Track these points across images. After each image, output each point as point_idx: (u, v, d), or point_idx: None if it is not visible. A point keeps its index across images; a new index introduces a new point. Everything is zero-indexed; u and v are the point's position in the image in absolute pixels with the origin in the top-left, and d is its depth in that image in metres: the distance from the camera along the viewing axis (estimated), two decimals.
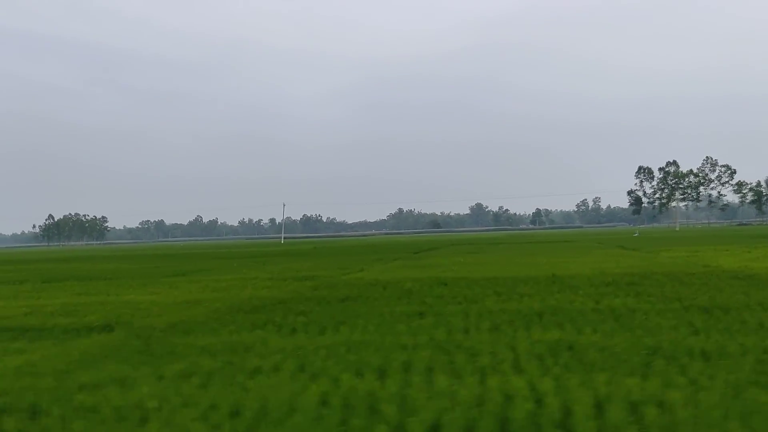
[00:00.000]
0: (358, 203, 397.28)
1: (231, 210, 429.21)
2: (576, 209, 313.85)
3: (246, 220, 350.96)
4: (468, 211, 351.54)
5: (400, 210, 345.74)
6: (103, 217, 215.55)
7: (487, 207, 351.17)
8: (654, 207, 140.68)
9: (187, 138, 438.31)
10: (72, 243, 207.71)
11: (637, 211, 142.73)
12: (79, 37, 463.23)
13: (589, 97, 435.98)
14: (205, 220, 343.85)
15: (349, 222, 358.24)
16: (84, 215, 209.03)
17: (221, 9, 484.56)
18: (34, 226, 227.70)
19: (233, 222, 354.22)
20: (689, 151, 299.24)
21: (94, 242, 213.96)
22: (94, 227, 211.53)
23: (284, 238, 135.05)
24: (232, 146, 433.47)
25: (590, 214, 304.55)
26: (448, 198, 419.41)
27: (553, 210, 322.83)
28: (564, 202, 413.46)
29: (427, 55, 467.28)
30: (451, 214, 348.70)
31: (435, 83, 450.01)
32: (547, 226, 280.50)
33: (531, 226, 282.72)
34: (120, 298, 13.04)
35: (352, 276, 17.05)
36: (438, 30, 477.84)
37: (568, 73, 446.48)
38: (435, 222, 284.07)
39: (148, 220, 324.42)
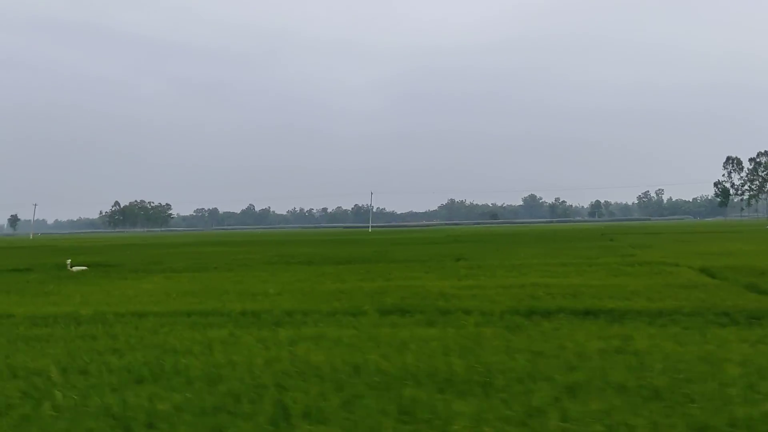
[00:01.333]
0: (408, 193, 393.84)
1: (281, 199, 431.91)
2: (637, 201, 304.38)
3: (297, 209, 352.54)
4: (521, 203, 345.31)
5: (452, 200, 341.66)
6: (167, 204, 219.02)
7: (540, 198, 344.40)
8: (743, 199, 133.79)
9: (232, 128, 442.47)
10: (137, 229, 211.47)
11: (723, 203, 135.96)
12: (130, 28, 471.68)
13: (649, 86, 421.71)
14: (257, 208, 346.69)
15: (398, 212, 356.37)
16: (149, 202, 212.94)
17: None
18: (100, 212, 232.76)
19: (281, 211, 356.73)
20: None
21: (157, 229, 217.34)
22: (159, 214, 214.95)
23: (361, 227, 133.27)
24: (277, 136, 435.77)
25: (652, 206, 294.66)
26: (499, 189, 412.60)
27: (613, 202, 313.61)
28: (623, 195, 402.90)
29: (472, 45, 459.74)
30: (503, 205, 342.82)
31: (480, 74, 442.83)
32: (607, 218, 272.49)
33: (590, 218, 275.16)
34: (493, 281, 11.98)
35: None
36: (485, 19, 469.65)
37: (624, 61, 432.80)
38: (493, 213, 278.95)
39: (203, 208, 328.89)
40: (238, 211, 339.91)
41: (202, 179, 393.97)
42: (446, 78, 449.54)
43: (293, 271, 17.20)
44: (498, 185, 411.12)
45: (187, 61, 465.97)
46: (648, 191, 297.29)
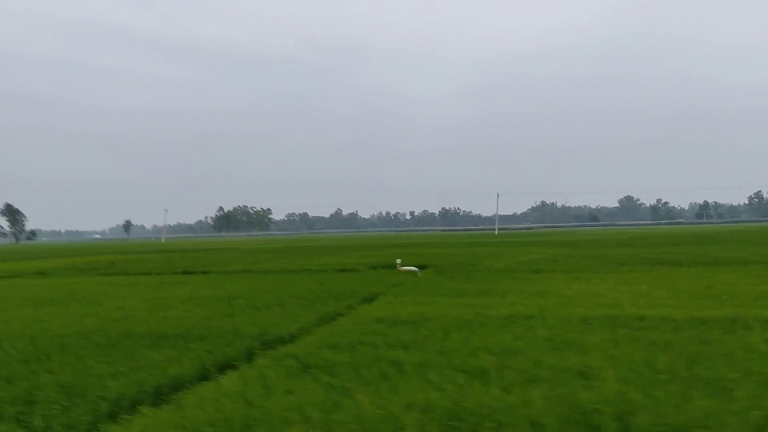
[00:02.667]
0: (494, 195, 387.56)
1: (367, 204, 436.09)
2: (747, 202, 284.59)
3: (383, 213, 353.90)
4: (617, 204, 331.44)
5: (543, 203, 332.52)
6: (268, 209, 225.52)
7: (638, 200, 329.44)
8: None
9: (314, 136, 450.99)
10: (239, 234, 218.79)
11: None
12: (216, 42, 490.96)
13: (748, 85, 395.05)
14: (345, 213, 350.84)
15: (485, 215, 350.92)
16: (252, 207, 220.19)
17: (342, 9, 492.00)
18: (205, 218, 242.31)
19: (365, 215, 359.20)
20: None
21: (259, 233, 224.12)
22: (261, 219, 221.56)
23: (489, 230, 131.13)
24: (358, 143, 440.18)
25: (764, 207, 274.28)
26: (591, 190, 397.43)
27: (721, 203, 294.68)
28: (731, 196, 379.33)
29: (548, 51, 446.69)
30: (598, 207, 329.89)
31: (559, 81, 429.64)
32: (715, 220, 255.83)
33: (697, 220, 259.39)
34: None
35: None
36: (561, 25, 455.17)
37: (721, 60, 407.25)
38: (593, 215, 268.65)
39: (293, 213, 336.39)
40: (327, 216, 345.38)
41: (291, 185, 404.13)
42: (527, 83, 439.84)
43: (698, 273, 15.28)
44: (590, 186, 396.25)
45: (269, 73, 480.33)
46: (760, 191, 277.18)
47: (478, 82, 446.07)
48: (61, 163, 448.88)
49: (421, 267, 19.87)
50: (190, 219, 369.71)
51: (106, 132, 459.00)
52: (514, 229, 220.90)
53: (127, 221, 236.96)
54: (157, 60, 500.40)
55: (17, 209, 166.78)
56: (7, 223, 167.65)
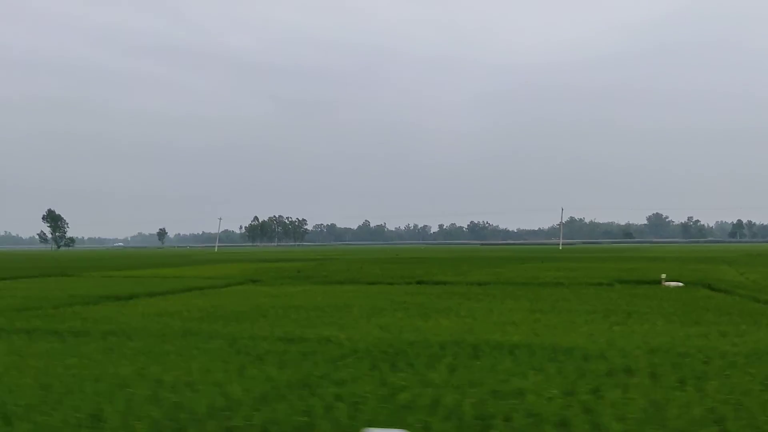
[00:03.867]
0: (523, 211, 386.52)
1: (394, 216, 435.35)
2: None
3: (411, 225, 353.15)
4: (645, 221, 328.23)
5: (572, 218, 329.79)
6: (303, 219, 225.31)
7: (667, 217, 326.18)
8: None
9: (335, 145, 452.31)
10: (273, 244, 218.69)
11: None
12: (237, 51, 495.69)
13: None
14: (372, 224, 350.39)
15: (511, 230, 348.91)
16: (287, 217, 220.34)
17: (363, 18, 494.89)
18: (240, 228, 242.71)
19: (391, 227, 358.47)
20: None
21: (293, 243, 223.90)
22: (296, 229, 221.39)
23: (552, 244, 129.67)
24: (380, 153, 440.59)
25: None
26: (619, 207, 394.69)
27: (757, 222, 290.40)
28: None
29: (575, 62, 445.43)
30: (626, 224, 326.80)
31: (582, 92, 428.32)
32: (749, 239, 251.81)
33: (730, 239, 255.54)
34: None
35: None
36: (586, 36, 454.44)
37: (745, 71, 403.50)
38: (626, 232, 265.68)
39: (321, 224, 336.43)
40: (355, 227, 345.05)
41: (315, 195, 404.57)
42: (550, 95, 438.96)
43: None
44: (617, 203, 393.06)
45: (289, 82, 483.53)
46: None
47: (501, 92, 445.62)
48: (78, 169, 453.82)
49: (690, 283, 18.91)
50: (213, 228, 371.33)
51: (124, 138, 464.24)
52: (567, 244, 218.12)
53: (161, 229, 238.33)
54: (179, 67, 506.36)
55: (59, 215, 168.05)
56: (49, 229, 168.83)
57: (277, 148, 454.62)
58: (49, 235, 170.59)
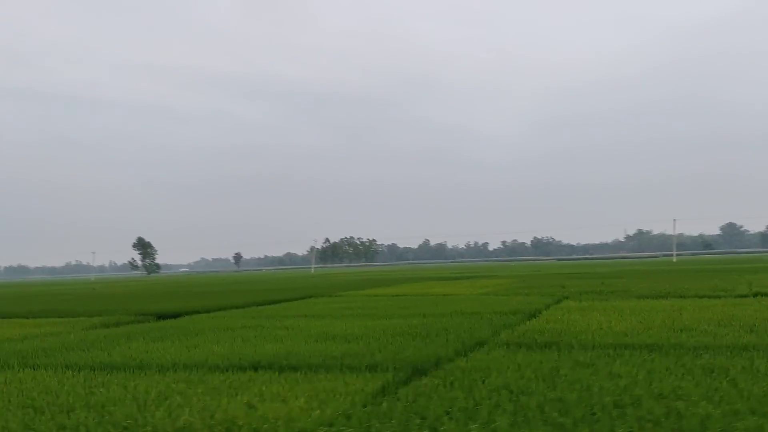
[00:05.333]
0: (586, 226, 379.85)
1: (454, 235, 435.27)
2: None
3: (472, 243, 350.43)
4: (718, 232, 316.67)
5: (639, 231, 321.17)
6: (373, 239, 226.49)
7: (741, 226, 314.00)
8: None
9: (383, 168, 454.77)
10: (343, 264, 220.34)
11: None
12: (285, 75, 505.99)
13: None
14: (432, 243, 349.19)
15: (573, 244, 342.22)
16: (359, 238, 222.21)
17: (411, 42, 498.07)
18: (311, 249, 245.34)
19: (451, 245, 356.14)
20: None
21: (365, 264, 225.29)
22: (368, 249, 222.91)
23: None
24: (434, 173, 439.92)
25: None
26: (685, 218, 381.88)
27: None
28: None
29: (624, 72, 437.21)
30: (698, 235, 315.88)
31: (638, 102, 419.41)
32: None
33: None
34: None
35: None
36: (634, 44, 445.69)
37: None
38: (706, 243, 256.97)
39: (382, 244, 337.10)
40: (416, 246, 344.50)
41: (373, 216, 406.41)
42: (601, 111, 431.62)
43: None
44: (687, 214, 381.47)
45: (339, 109, 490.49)
46: None
47: (549, 114, 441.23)
48: (132, 200, 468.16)
49: None
50: (276, 252, 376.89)
51: (184, 169, 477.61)
52: (634, 257, 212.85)
53: (237, 254, 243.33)
54: (233, 99, 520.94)
55: (149, 242, 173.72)
56: (140, 256, 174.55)
57: (328, 171, 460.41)
58: (140, 262, 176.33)
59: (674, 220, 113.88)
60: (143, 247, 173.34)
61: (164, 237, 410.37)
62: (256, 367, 9.21)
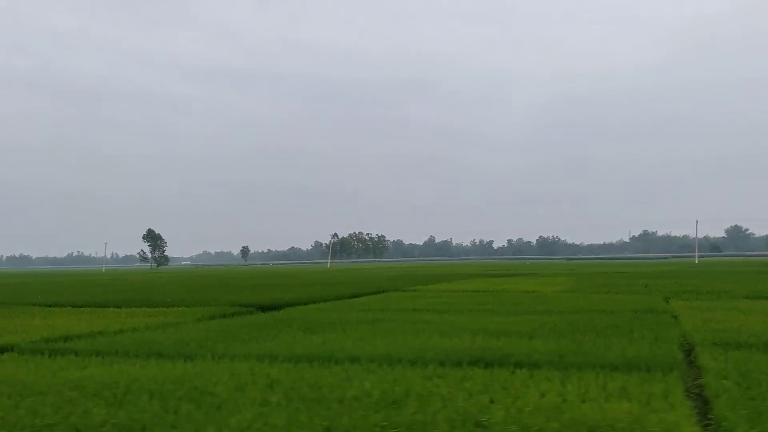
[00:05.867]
0: (591, 225, 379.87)
1: (459, 232, 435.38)
2: None
3: (477, 241, 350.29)
4: (723, 234, 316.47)
5: (645, 231, 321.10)
6: (382, 235, 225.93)
7: (747, 229, 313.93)
8: None
9: (386, 163, 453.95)
10: (350, 260, 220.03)
11: None
12: (292, 71, 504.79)
13: None
14: (437, 240, 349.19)
15: (578, 243, 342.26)
16: (367, 234, 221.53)
17: (417, 31, 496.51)
18: (321, 244, 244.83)
19: (457, 242, 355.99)
20: None
21: (374, 259, 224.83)
22: (377, 245, 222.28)
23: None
24: (438, 166, 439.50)
25: None
26: (692, 219, 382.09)
27: None
28: None
29: (634, 65, 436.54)
30: (704, 237, 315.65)
31: (642, 96, 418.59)
32: None
33: None
34: None
35: None
36: (644, 36, 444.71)
37: None
38: (714, 245, 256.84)
39: (388, 240, 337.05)
40: (421, 243, 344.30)
41: (378, 211, 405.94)
42: (604, 102, 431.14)
43: None
44: (691, 215, 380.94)
45: (342, 99, 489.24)
46: None
47: (562, 106, 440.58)
48: (141, 189, 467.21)
49: None
50: (280, 246, 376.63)
51: (183, 159, 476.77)
52: (641, 258, 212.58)
53: (244, 247, 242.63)
54: (238, 91, 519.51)
55: (158, 234, 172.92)
56: (149, 248, 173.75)
57: (332, 165, 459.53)
58: (149, 254, 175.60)
59: (696, 221, 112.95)
60: (153, 239, 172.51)
61: (165, 230, 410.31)
62: (460, 363, 8.63)
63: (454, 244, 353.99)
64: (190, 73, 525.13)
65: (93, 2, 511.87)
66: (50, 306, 20.98)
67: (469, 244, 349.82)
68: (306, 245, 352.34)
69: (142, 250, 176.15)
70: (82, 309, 19.56)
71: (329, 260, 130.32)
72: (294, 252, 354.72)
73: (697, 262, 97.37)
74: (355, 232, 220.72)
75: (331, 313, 16.90)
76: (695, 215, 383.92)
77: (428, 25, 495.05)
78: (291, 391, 7.00)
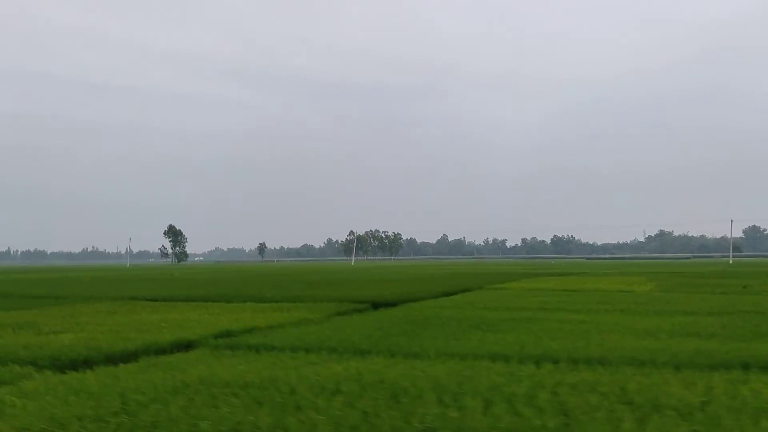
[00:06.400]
0: (607, 226, 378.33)
1: (472, 231, 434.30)
2: None
3: (490, 239, 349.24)
4: (741, 235, 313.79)
5: (662, 231, 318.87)
6: (398, 233, 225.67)
7: (765, 230, 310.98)
8: None
9: (397, 161, 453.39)
10: (364, 258, 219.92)
11: None
12: (302, 71, 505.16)
13: None
14: (450, 239, 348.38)
15: (591, 243, 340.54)
16: (384, 231, 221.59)
17: (430, 34, 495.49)
18: (334, 242, 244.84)
19: (469, 240, 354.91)
20: None
21: (390, 257, 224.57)
22: (393, 243, 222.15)
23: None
24: (446, 167, 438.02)
25: None
26: (706, 219, 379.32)
27: None
28: None
29: (650, 68, 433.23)
30: (720, 237, 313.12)
31: (650, 101, 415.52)
32: None
33: None
34: None
35: None
36: (654, 41, 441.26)
37: None
38: (736, 246, 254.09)
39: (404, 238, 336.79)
40: (434, 241, 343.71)
41: (391, 210, 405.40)
42: (621, 105, 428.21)
43: None
44: (706, 216, 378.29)
45: (354, 99, 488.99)
46: None
47: (573, 105, 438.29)
48: (148, 187, 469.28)
49: None
50: (292, 244, 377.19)
51: (195, 157, 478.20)
52: (657, 258, 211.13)
53: (261, 244, 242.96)
54: (250, 89, 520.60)
55: (179, 230, 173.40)
56: (170, 244, 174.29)
57: (343, 164, 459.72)
58: (170, 250, 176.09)
59: (731, 221, 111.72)
60: (174, 234, 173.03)
61: (177, 226, 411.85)
62: (713, 366, 8.28)
63: (467, 242, 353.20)
64: (199, 69, 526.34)
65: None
66: (156, 300, 20.83)
67: (482, 243, 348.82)
68: (318, 242, 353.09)
69: (163, 246, 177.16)
70: (197, 303, 19.43)
71: (354, 257, 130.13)
72: (306, 249, 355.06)
73: (731, 262, 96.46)
74: (371, 230, 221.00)
75: (459, 310, 16.58)
76: (709, 216, 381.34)
77: (438, 20, 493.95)
78: (564, 396, 6.52)
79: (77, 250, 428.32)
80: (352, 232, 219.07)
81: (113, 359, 9.43)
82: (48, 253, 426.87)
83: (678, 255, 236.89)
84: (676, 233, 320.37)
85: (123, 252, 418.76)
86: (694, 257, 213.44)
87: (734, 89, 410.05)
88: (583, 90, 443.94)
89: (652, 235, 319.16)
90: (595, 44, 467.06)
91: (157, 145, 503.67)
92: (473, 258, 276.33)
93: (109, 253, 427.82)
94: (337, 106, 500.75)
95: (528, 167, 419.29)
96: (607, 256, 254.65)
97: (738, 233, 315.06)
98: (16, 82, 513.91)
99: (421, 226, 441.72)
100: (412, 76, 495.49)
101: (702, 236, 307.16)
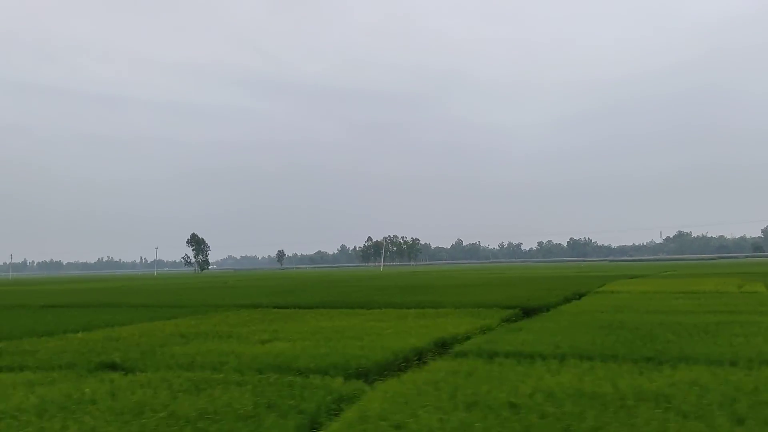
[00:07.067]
0: (622, 228, 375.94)
1: (486, 235, 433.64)
2: None
3: (506, 243, 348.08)
4: (759, 234, 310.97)
5: (680, 232, 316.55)
6: (416, 239, 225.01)
7: None
8: None
9: (407, 167, 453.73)
10: (381, 264, 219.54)
11: None
12: (311, 78, 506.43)
13: None
14: (465, 243, 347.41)
15: (607, 245, 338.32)
16: (402, 237, 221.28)
17: (436, 39, 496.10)
18: (347, 248, 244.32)
19: (484, 245, 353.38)
20: None
21: (410, 263, 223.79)
22: (413, 248, 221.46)
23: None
24: (460, 172, 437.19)
25: None
26: (726, 221, 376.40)
27: None
28: None
29: (663, 70, 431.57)
30: (739, 237, 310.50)
31: (662, 102, 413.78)
32: None
33: None
34: None
35: None
36: (664, 41, 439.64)
37: None
38: (757, 246, 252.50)
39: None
40: (448, 246, 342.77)
41: (403, 214, 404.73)
42: (633, 107, 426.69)
43: None
44: (724, 217, 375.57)
45: (362, 106, 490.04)
46: None
47: (583, 107, 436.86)
48: (161, 198, 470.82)
49: None
50: (305, 251, 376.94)
51: (206, 166, 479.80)
52: (678, 259, 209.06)
53: (280, 251, 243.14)
54: (257, 97, 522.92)
55: (202, 239, 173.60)
56: (193, 253, 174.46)
57: (354, 172, 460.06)
58: (193, 259, 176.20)
59: None
60: (197, 243, 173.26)
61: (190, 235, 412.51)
62: None
63: (482, 247, 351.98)
64: (208, 78, 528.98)
65: (110, 7, 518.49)
66: (285, 308, 20.28)
67: (497, 247, 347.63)
68: (332, 249, 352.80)
69: (186, 255, 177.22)
70: (340, 310, 18.88)
71: (382, 263, 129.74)
72: (320, 256, 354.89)
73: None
74: (389, 236, 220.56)
75: (627, 314, 15.87)
76: (728, 216, 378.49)
77: (445, 25, 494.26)
78: None
79: (93, 260, 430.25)
80: (370, 239, 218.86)
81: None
82: (64, 263, 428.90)
83: (709, 256, 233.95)
84: (694, 234, 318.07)
85: (138, 261, 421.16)
86: (720, 257, 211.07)
87: (748, 89, 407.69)
88: (593, 94, 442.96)
89: (671, 237, 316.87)
90: (602, 49, 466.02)
91: (167, 156, 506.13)
92: (490, 262, 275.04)
93: (124, 262, 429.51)
94: (346, 113, 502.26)
95: (541, 172, 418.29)
96: (626, 258, 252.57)
97: (757, 233, 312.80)
98: (32, 95, 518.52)
99: (435, 232, 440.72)
100: (420, 83, 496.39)
101: (721, 236, 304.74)
